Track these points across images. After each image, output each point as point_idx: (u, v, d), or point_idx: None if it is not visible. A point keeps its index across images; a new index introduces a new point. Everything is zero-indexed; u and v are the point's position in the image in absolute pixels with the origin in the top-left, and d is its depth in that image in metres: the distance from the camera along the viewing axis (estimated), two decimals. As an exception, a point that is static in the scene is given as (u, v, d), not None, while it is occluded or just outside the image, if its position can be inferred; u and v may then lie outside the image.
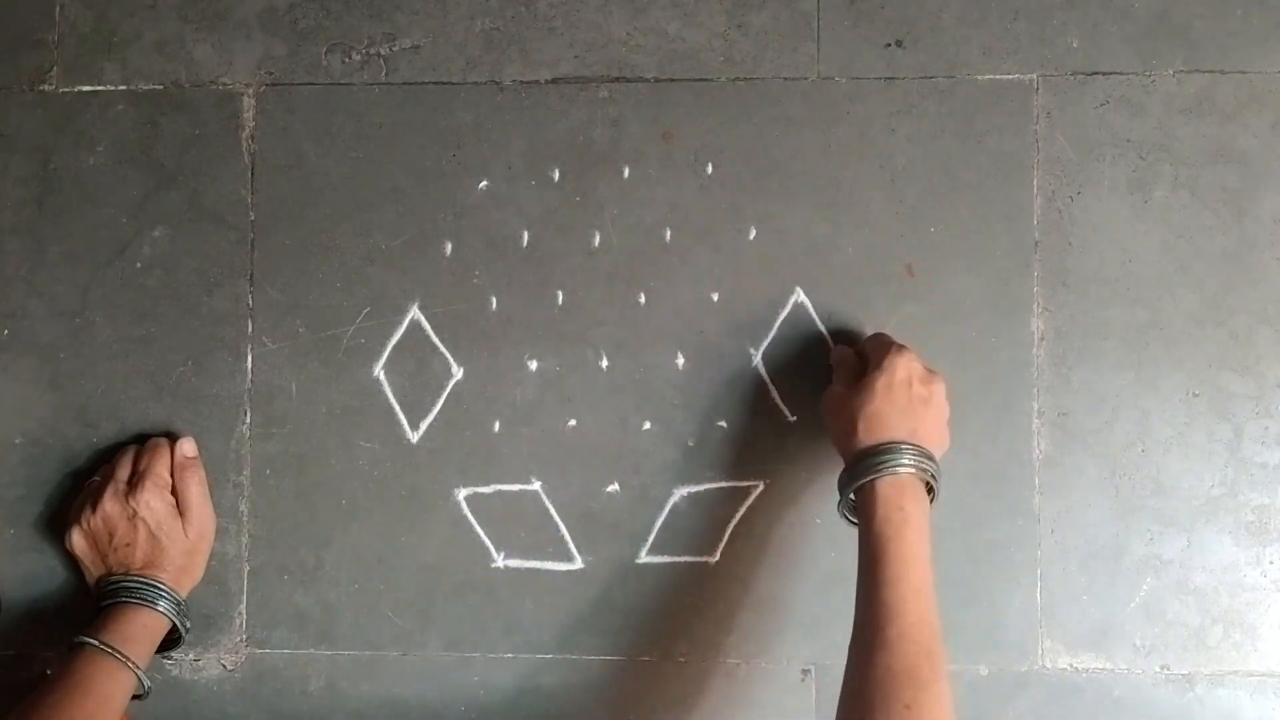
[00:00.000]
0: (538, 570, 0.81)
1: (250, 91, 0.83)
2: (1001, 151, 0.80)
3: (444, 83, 0.82)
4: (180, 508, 0.78)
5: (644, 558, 0.81)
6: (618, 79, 0.82)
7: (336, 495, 0.81)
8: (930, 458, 0.70)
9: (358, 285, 0.82)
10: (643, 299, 0.81)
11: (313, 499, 0.82)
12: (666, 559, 0.81)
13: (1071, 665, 0.79)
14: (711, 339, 0.81)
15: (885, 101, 0.81)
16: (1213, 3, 0.80)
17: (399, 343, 0.82)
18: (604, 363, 0.81)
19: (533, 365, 0.81)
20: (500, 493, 0.81)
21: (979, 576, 0.79)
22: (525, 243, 0.82)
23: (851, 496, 0.70)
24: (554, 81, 0.82)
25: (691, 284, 0.81)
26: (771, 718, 0.80)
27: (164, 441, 0.79)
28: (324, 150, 0.82)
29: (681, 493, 0.81)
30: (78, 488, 0.80)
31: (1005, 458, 0.79)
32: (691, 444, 0.81)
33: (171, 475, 0.78)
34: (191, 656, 0.82)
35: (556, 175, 0.82)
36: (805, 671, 0.80)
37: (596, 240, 0.81)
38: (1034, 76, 0.81)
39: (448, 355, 0.82)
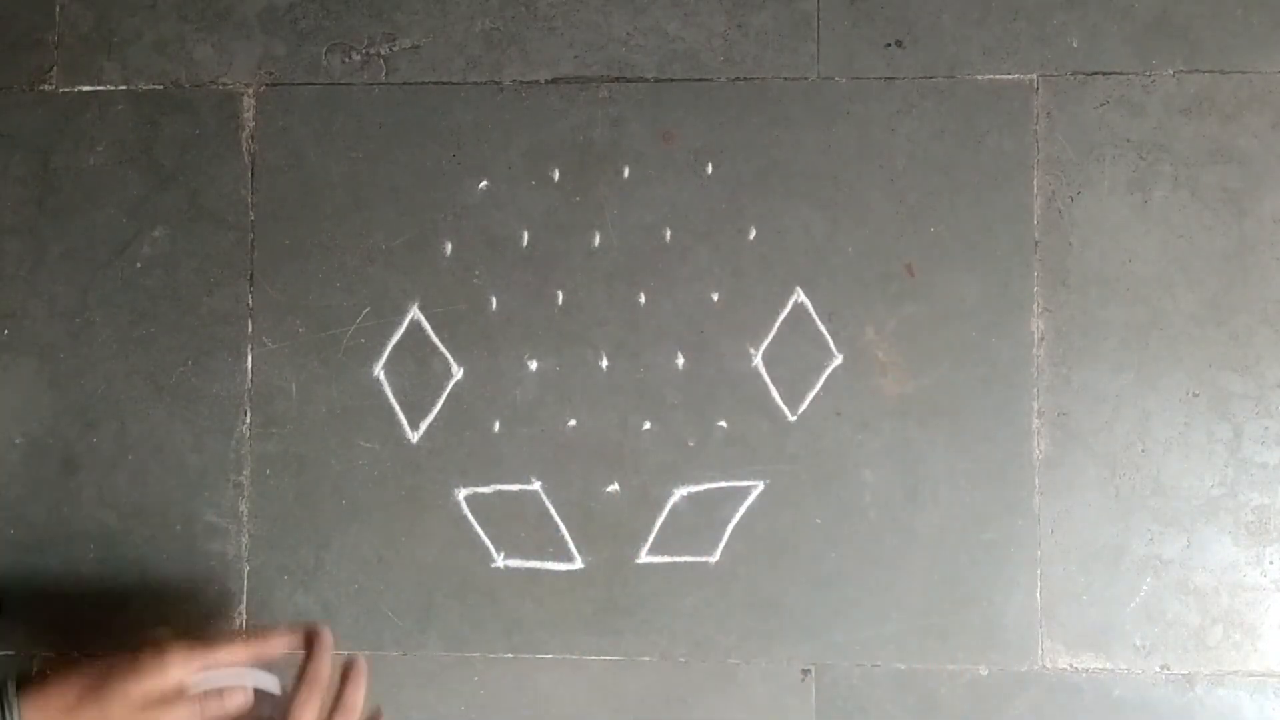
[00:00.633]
0: (538, 570, 0.81)
1: (250, 91, 0.83)
2: (1001, 151, 0.80)
3: (444, 83, 0.82)
4: None
5: (644, 558, 0.81)
6: (618, 79, 0.82)
7: (336, 495, 0.81)
8: None
9: (358, 285, 0.82)
10: (643, 299, 0.81)
11: (313, 499, 0.82)
12: (666, 559, 0.81)
13: (1071, 665, 0.79)
14: (711, 339, 0.81)
15: (885, 101, 0.81)
16: (1213, 3, 0.80)
17: (399, 343, 0.82)
18: (604, 363, 0.81)
19: (533, 365, 0.81)
20: (500, 493, 0.81)
21: (979, 576, 0.79)
22: (525, 243, 0.82)
23: None
24: (554, 81, 0.82)
25: (691, 284, 0.81)
26: (771, 718, 0.80)
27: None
28: (324, 150, 0.82)
29: (681, 493, 0.81)
30: (78, 487, 0.80)
31: (1005, 458, 0.80)
32: (691, 444, 0.81)
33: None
34: (191, 656, 0.82)
35: (556, 175, 0.82)
36: (805, 671, 0.80)
37: (596, 240, 0.81)
38: (1034, 76, 0.81)
39: (448, 355, 0.82)
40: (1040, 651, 0.79)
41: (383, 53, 0.83)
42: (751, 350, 0.81)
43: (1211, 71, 0.80)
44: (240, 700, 0.66)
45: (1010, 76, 0.81)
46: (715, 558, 0.80)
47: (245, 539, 0.82)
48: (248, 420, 0.82)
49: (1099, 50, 0.80)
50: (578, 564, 0.81)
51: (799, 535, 0.80)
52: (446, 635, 0.81)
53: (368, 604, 0.81)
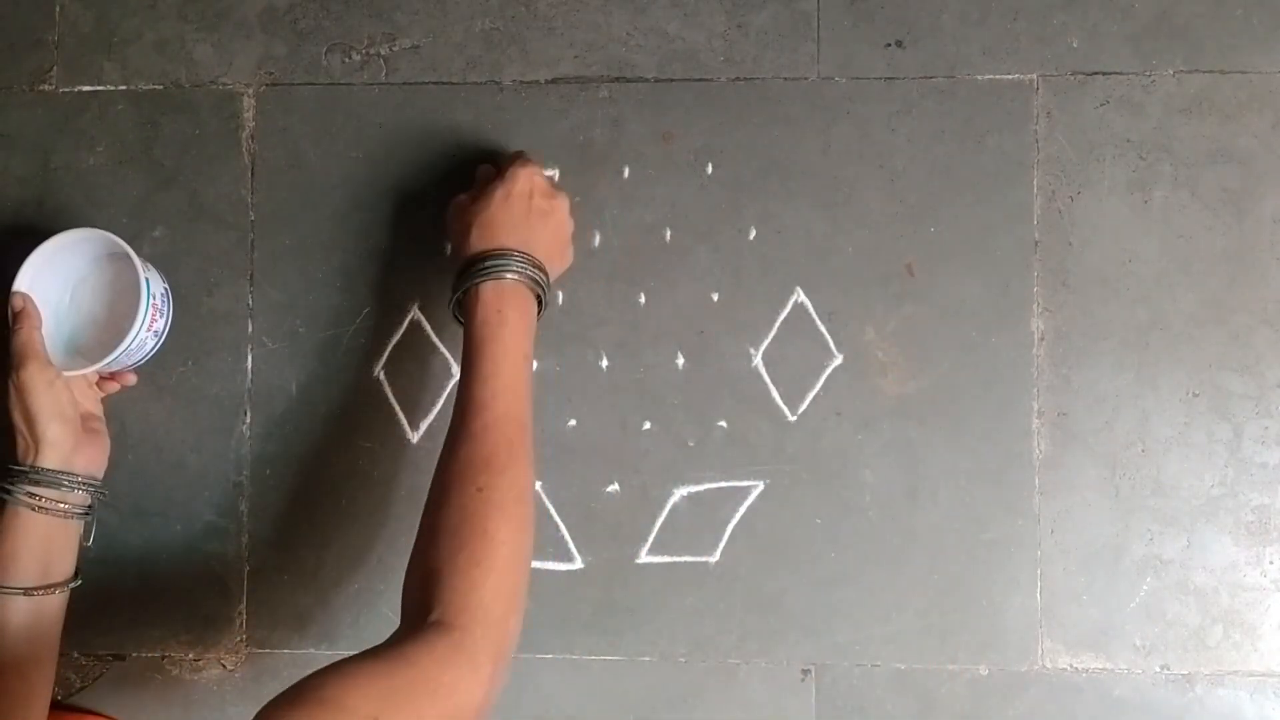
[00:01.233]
0: (538, 570, 0.81)
1: (250, 91, 0.83)
2: (1001, 151, 0.80)
3: (444, 83, 0.82)
4: None
5: (644, 558, 0.81)
6: (618, 79, 0.82)
7: (336, 495, 0.81)
8: (540, 268, 0.71)
9: (358, 285, 0.82)
10: (643, 299, 0.81)
11: (313, 499, 0.82)
12: (666, 559, 0.81)
13: (1071, 665, 0.79)
14: (711, 339, 0.81)
15: (885, 101, 0.81)
16: (1213, 3, 0.80)
17: (399, 343, 0.82)
18: (604, 363, 0.81)
19: (533, 365, 0.81)
20: (500, 493, 0.81)
21: (979, 576, 0.79)
22: (525, 243, 0.81)
23: (460, 299, 0.71)
24: (554, 81, 0.82)
25: (691, 284, 0.81)
26: (771, 718, 0.80)
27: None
28: (324, 150, 0.82)
29: (681, 493, 0.81)
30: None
31: (1005, 458, 0.79)
32: (691, 444, 0.81)
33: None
34: (191, 656, 0.82)
35: (556, 175, 0.82)
36: (805, 671, 0.80)
37: (596, 240, 0.81)
38: (1034, 76, 0.81)
39: (448, 355, 0.82)
40: (1040, 651, 0.79)
41: (383, 53, 0.83)
42: (751, 350, 0.81)
43: (1211, 71, 0.80)
44: None
45: (1010, 76, 0.81)
46: (715, 558, 0.80)
47: (245, 539, 0.82)
48: (248, 420, 0.82)
49: (1099, 50, 0.80)
50: (578, 564, 0.81)
51: (799, 535, 0.80)
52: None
53: (368, 604, 0.81)
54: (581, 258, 0.81)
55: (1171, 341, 0.79)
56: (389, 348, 0.82)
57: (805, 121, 0.81)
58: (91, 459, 0.75)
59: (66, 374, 0.74)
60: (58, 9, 0.84)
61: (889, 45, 0.81)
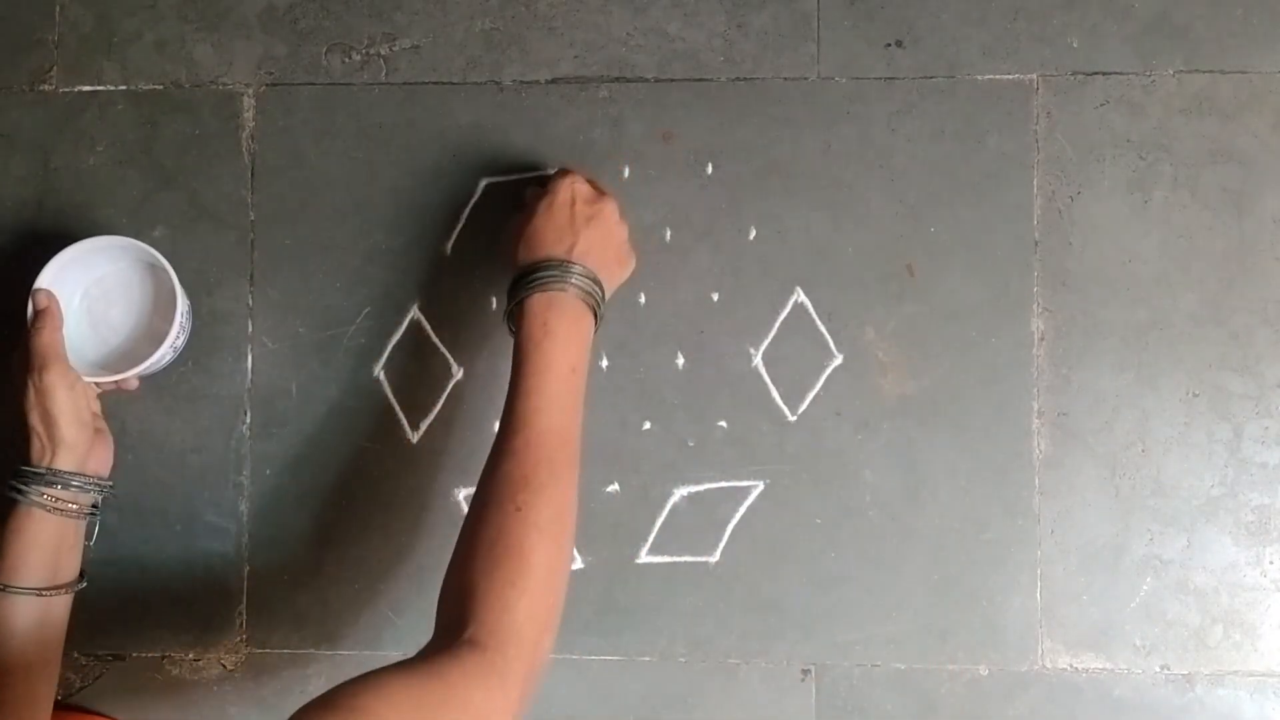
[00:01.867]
0: (538, 570, 0.80)
1: (250, 91, 0.83)
2: (1001, 151, 0.80)
3: (444, 83, 0.82)
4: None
5: (644, 558, 0.81)
6: (618, 79, 0.82)
7: (336, 495, 0.81)
8: (590, 276, 0.70)
9: (358, 285, 0.82)
10: (643, 299, 0.81)
11: (313, 499, 0.82)
12: (666, 559, 0.81)
13: (1071, 665, 0.79)
14: (711, 339, 0.81)
15: (885, 101, 0.81)
16: (1213, 3, 0.80)
17: (399, 343, 0.82)
18: (604, 363, 0.81)
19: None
20: (500, 493, 0.81)
21: (979, 576, 0.79)
22: (525, 243, 0.81)
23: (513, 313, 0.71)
24: (554, 81, 0.82)
25: (691, 284, 0.81)
26: (771, 718, 0.80)
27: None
28: (324, 150, 0.82)
29: (681, 493, 0.81)
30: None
31: (1005, 458, 0.79)
32: (691, 444, 0.81)
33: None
34: (191, 656, 0.82)
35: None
36: (805, 671, 0.80)
37: (596, 240, 0.81)
38: (1034, 76, 0.81)
39: (448, 355, 0.82)
40: (1040, 651, 0.79)
41: (383, 53, 0.83)
42: (751, 350, 0.81)
43: (1211, 71, 0.80)
44: None
45: (1010, 76, 0.81)
46: (715, 558, 0.80)
47: (245, 539, 0.82)
48: (248, 420, 0.82)
49: (1099, 50, 0.80)
50: (577, 564, 0.81)
51: (799, 535, 0.80)
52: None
53: (368, 604, 0.81)
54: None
55: (1171, 341, 0.79)
56: (389, 348, 0.82)
57: (805, 121, 0.81)
58: (101, 460, 0.76)
59: (87, 379, 0.75)
60: (58, 9, 0.84)
61: (889, 45, 0.81)
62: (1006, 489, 0.79)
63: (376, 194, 0.82)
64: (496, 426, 0.80)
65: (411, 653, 0.58)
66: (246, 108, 0.83)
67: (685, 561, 0.80)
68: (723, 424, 0.81)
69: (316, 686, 0.81)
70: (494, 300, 0.81)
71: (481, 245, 0.82)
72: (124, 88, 0.83)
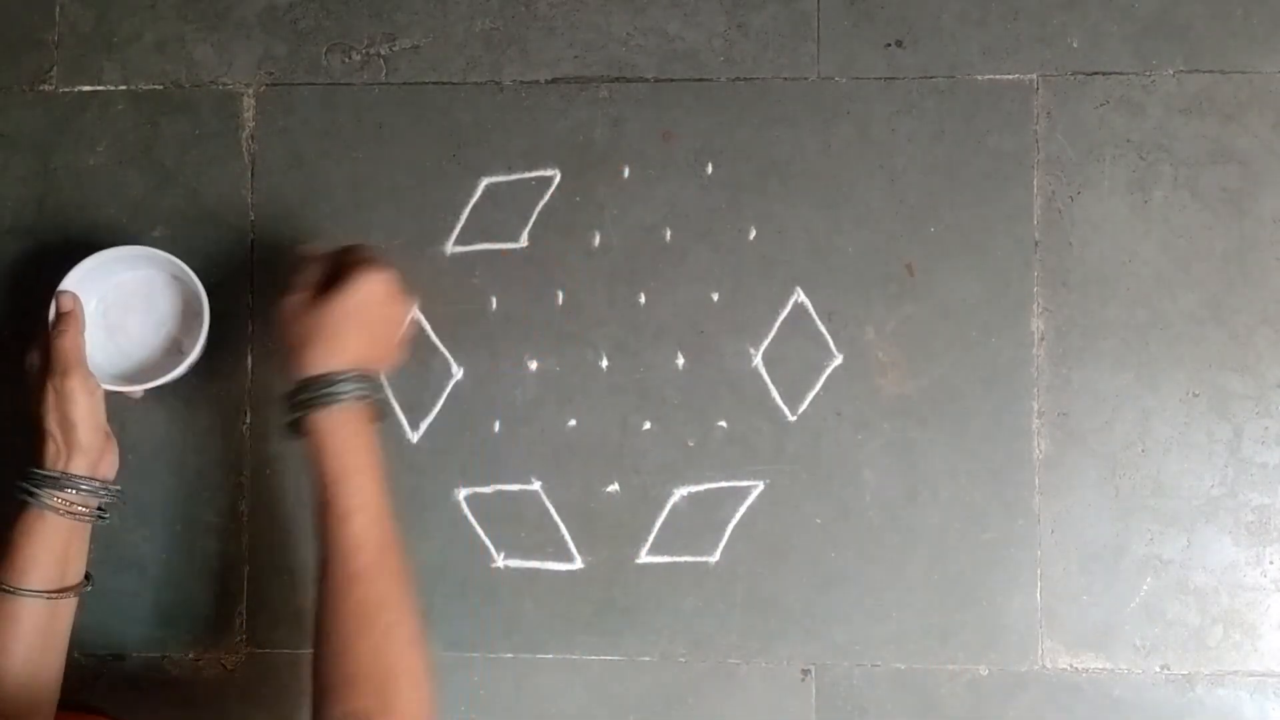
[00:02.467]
0: (538, 570, 0.81)
1: (250, 91, 0.83)
2: (1001, 151, 0.80)
3: (444, 83, 0.82)
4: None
5: (644, 558, 0.81)
6: (618, 79, 0.82)
7: (336, 495, 0.81)
8: (374, 378, 0.70)
9: (358, 285, 0.82)
10: (643, 299, 0.81)
11: (313, 499, 0.81)
12: (666, 559, 0.81)
13: (1071, 665, 0.79)
14: (711, 339, 0.81)
15: (885, 101, 0.81)
16: (1213, 3, 0.80)
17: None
18: (604, 363, 0.81)
19: (533, 365, 0.81)
20: (500, 493, 0.81)
21: (979, 576, 0.79)
22: (525, 243, 0.81)
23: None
24: (554, 81, 0.82)
25: (691, 284, 0.81)
26: (771, 718, 0.80)
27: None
28: (324, 150, 0.82)
29: (681, 493, 0.81)
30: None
31: (1005, 458, 0.79)
32: (691, 444, 0.81)
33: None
34: (191, 656, 0.82)
35: (558, 175, 0.82)
36: (805, 671, 0.80)
37: (596, 240, 0.81)
38: (1034, 76, 0.81)
39: (448, 355, 0.82)
40: (1040, 651, 0.79)
41: (383, 53, 0.83)
42: (751, 350, 0.81)
43: (1211, 71, 0.80)
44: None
45: (1010, 76, 0.81)
46: (715, 558, 0.80)
47: (245, 539, 0.82)
48: (248, 420, 0.82)
49: (1099, 50, 0.80)
50: (578, 564, 0.81)
51: (799, 535, 0.80)
52: (446, 635, 0.81)
53: (368, 604, 0.81)
54: (581, 258, 0.81)
55: (1171, 341, 0.79)
56: (389, 348, 0.82)
57: (805, 121, 0.81)
58: (109, 464, 0.77)
59: (106, 387, 0.75)
60: (58, 9, 0.84)
61: (889, 45, 0.81)
62: (1006, 489, 0.79)
63: (376, 194, 0.82)
64: (497, 426, 0.81)
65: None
66: (246, 108, 0.83)
67: (685, 561, 0.80)
68: (723, 424, 0.81)
69: (316, 686, 0.81)
70: (494, 300, 0.81)
71: (482, 245, 0.82)
72: (124, 88, 0.83)
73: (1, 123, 0.83)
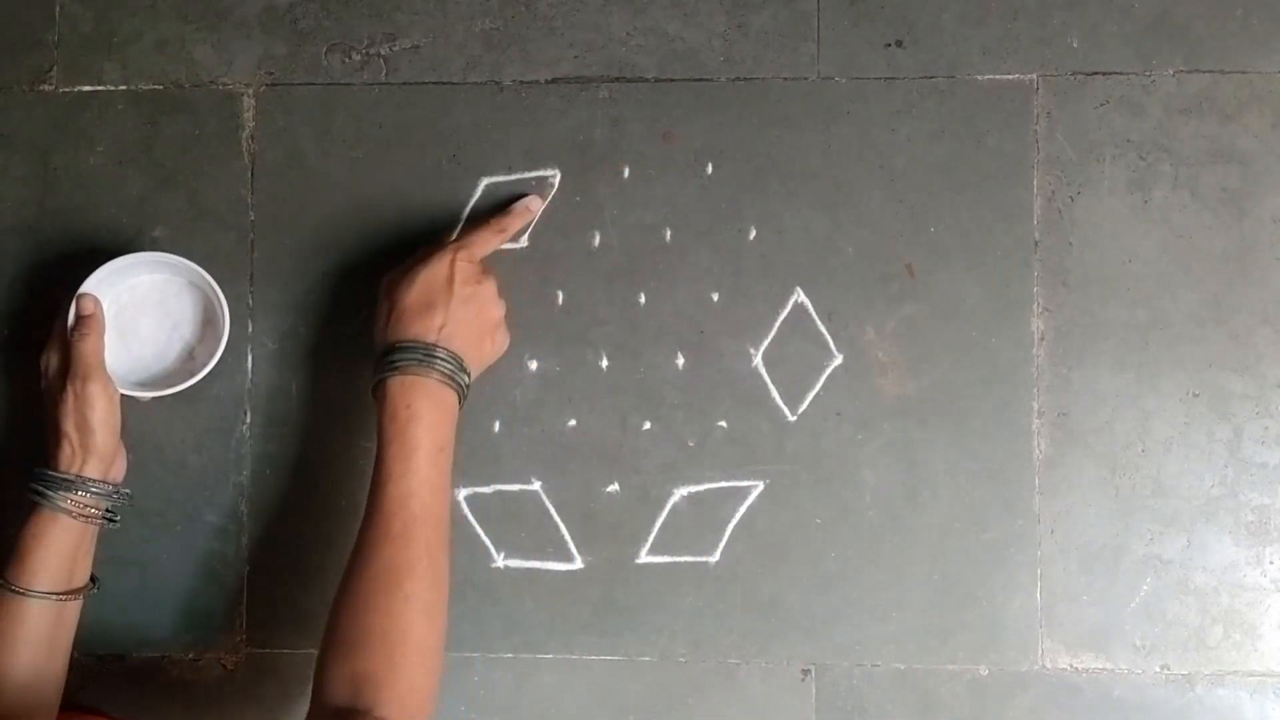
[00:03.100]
0: (538, 570, 0.81)
1: (250, 91, 0.83)
2: (1001, 151, 0.80)
3: (444, 83, 0.82)
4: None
5: (644, 558, 0.81)
6: (618, 79, 0.82)
7: (336, 495, 0.81)
8: (453, 359, 0.70)
9: (358, 285, 0.82)
10: (643, 299, 0.81)
11: (313, 499, 0.82)
12: (666, 559, 0.81)
13: (1071, 665, 0.79)
14: (711, 339, 0.81)
15: (885, 101, 0.81)
16: (1213, 3, 0.80)
17: (399, 343, 0.82)
18: (604, 363, 0.81)
19: (533, 365, 0.81)
20: (500, 493, 0.81)
21: (979, 576, 0.79)
22: (525, 242, 0.82)
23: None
24: (554, 81, 0.82)
25: (691, 284, 0.81)
26: (771, 718, 0.80)
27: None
28: (324, 150, 0.82)
29: (681, 493, 0.81)
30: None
31: (1005, 458, 0.79)
32: (691, 444, 0.81)
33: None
34: (191, 656, 0.82)
35: (557, 175, 0.82)
36: (805, 671, 0.80)
37: (596, 240, 0.81)
38: (1034, 76, 0.81)
39: (448, 355, 0.82)
40: (1040, 651, 0.79)
41: (383, 53, 0.83)
42: (751, 350, 0.81)
43: (1211, 71, 0.80)
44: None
45: (1010, 76, 0.81)
46: (715, 558, 0.80)
47: (245, 539, 0.82)
48: (248, 420, 0.82)
49: (1099, 50, 0.80)
50: (577, 564, 0.81)
51: (799, 535, 0.80)
52: (447, 635, 0.81)
53: (368, 604, 0.81)
54: (581, 258, 0.81)
55: (1171, 341, 0.79)
56: (389, 348, 0.82)
57: (805, 121, 0.81)
58: (121, 467, 0.77)
59: (123, 392, 0.75)
60: (58, 9, 0.84)
61: (889, 45, 0.81)
62: (1006, 489, 0.79)
63: (376, 194, 0.82)
64: (497, 426, 0.81)
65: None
66: (246, 108, 0.83)
67: (685, 561, 0.80)
68: (723, 424, 0.81)
69: (316, 686, 0.81)
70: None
71: (481, 245, 0.82)
72: (124, 88, 0.83)
73: (1, 123, 0.83)
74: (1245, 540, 0.79)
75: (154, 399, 0.80)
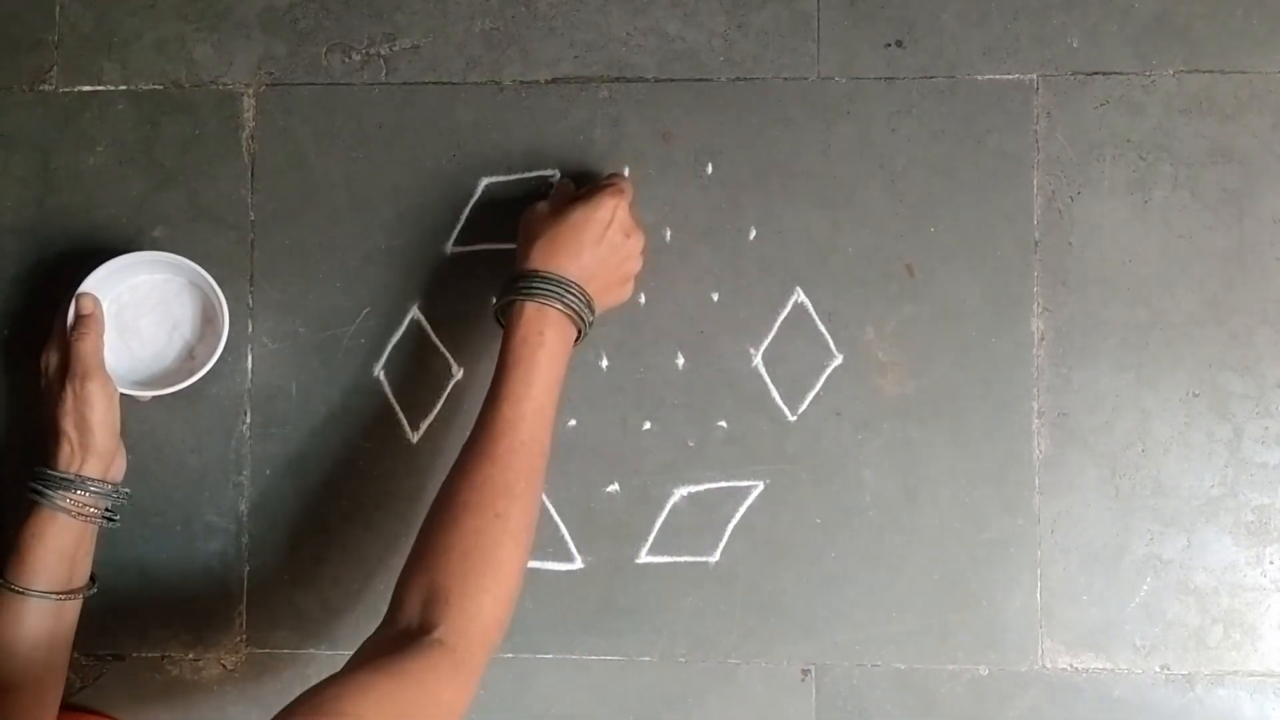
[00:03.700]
0: (538, 570, 0.81)
1: (250, 91, 0.83)
2: (1001, 151, 0.80)
3: (444, 83, 0.82)
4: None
5: (644, 558, 0.81)
6: (618, 79, 0.82)
7: (336, 495, 0.81)
8: (587, 301, 0.71)
9: (358, 285, 0.82)
10: (643, 299, 0.81)
11: (313, 499, 0.82)
12: (666, 559, 0.81)
13: (1071, 665, 0.79)
14: (711, 339, 0.81)
15: (885, 101, 0.81)
16: (1213, 3, 0.80)
17: (399, 343, 0.82)
18: (604, 363, 0.81)
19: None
20: (500, 493, 0.81)
21: (979, 576, 0.79)
22: (525, 243, 0.81)
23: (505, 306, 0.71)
24: (554, 81, 0.82)
25: (691, 284, 0.81)
26: (771, 718, 0.80)
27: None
28: (324, 150, 0.82)
29: (681, 493, 0.81)
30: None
31: (1005, 458, 0.79)
32: (691, 444, 0.81)
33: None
34: (191, 656, 0.82)
35: (557, 175, 0.82)
36: (805, 671, 0.80)
37: (596, 240, 0.81)
38: (1034, 76, 0.81)
39: (448, 355, 0.82)
40: (1040, 651, 0.79)
41: (383, 53, 0.83)
42: (751, 350, 0.81)
43: (1211, 71, 0.80)
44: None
45: (1010, 76, 0.81)
46: (715, 558, 0.80)
47: (245, 539, 0.82)
48: (248, 420, 0.82)
49: (1099, 50, 0.80)
50: (577, 564, 0.81)
51: (799, 535, 0.80)
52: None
53: (368, 604, 0.81)
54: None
55: (1171, 341, 0.79)
56: (389, 348, 0.82)
57: (805, 121, 0.81)
58: (120, 467, 0.77)
59: (122, 392, 0.75)
60: (58, 9, 0.84)
61: (889, 45, 0.81)
62: (1006, 489, 0.79)
63: (376, 194, 0.82)
64: (496, 426, 0.81)
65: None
66: (246, 108, 0.83)
67: (685, 561, 0.80)
68: (723, 424, 0.81)
69: (316, 686, 0.81)
70: (494, 300, 0.81)
71: (482, 245, 0.82)
72: (124, 88, 0.83)
73: (1, 123, 0.83)
74: (1245, 540, 0.79)
75: (154, 398, 0.80)
